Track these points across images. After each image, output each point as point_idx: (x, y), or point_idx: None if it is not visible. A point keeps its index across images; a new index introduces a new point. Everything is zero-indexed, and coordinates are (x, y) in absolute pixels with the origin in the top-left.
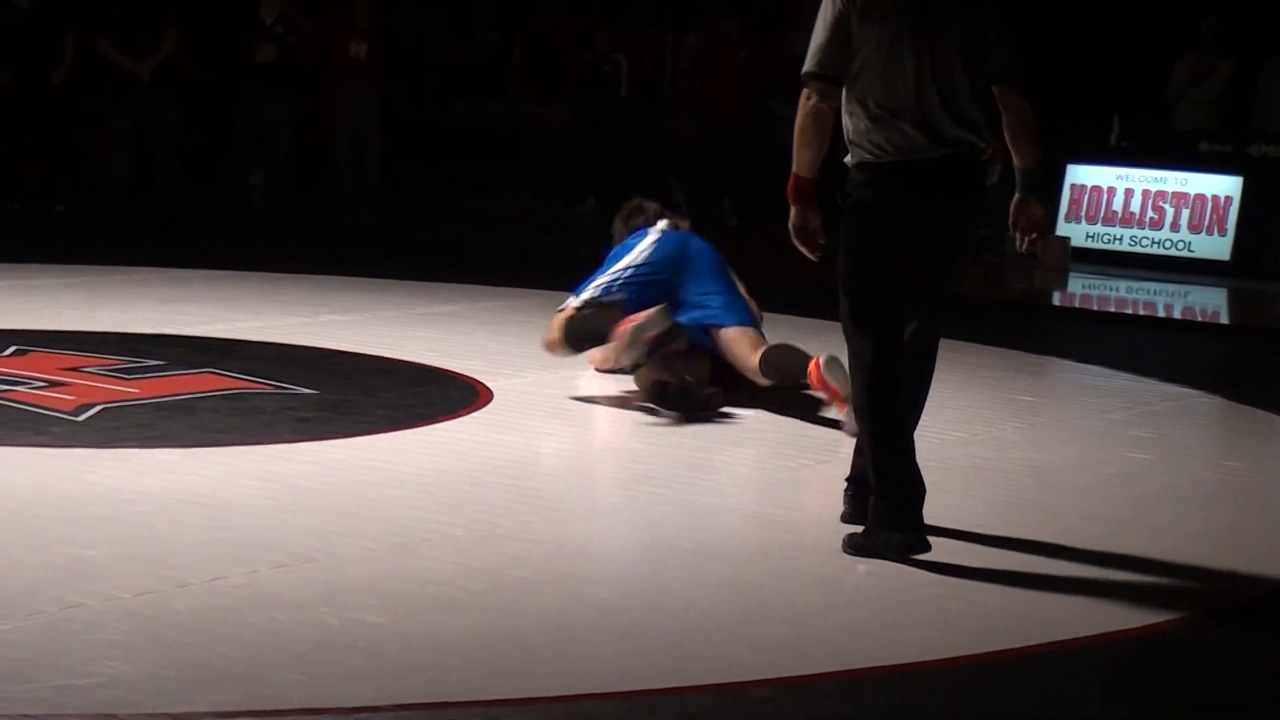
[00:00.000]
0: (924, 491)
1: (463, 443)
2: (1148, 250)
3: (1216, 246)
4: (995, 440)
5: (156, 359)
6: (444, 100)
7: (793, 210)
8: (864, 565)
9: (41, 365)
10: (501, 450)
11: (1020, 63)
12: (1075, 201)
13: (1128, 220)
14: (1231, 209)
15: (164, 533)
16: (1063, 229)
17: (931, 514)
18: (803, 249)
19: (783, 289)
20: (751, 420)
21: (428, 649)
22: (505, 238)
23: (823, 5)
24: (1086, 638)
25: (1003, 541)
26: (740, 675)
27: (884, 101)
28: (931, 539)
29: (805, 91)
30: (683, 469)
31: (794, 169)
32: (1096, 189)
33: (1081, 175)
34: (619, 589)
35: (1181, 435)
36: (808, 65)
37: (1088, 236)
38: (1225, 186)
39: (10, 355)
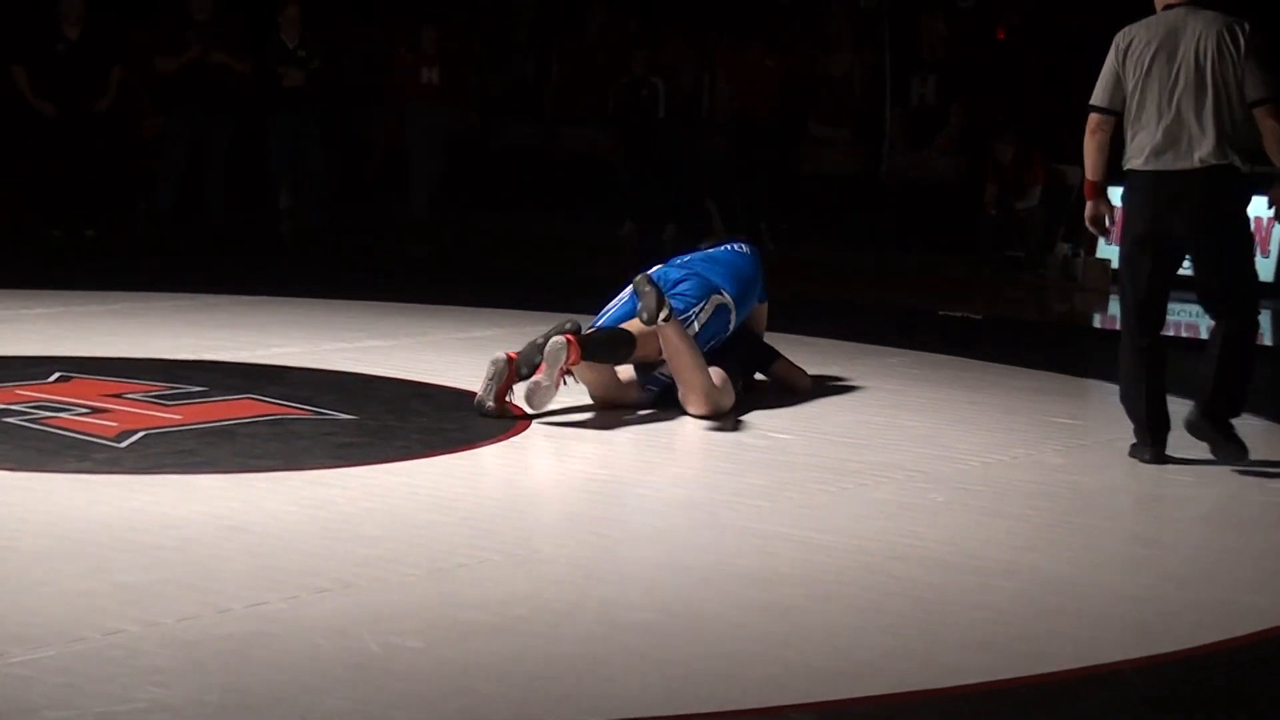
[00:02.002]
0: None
1: (501, 468)
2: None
3: (1259, 268)
4: (1037, 462)
5: (198, 385)
6: (482, 123)
7: (1088, 204)
8: (904, 589)
9: (84, 392)
10: (539, 475)
11: (1271, 89)
12: (1116, 224)
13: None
14: (1275, 230)
15: (205, 558)
16: (1103, 251)
17: (975, 536)
18: (1094, 231)
19: (815, 311)
20: (789, 444)
21: (467, 674)
22: (544, 261)
23: (1109, 52)
24: (1130, 661)
25: (1044, 564)
26: (782, 699)
27: (1135, 125)
28: (973, 562)
29: (1088, 118)
30: (721, 493)
31: (1086, 175)
32: None
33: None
34: (658, 613)
35: (1225, 458)
36: (1092, 99)
37: None
38: (1267, 208)
39: (54, 382)
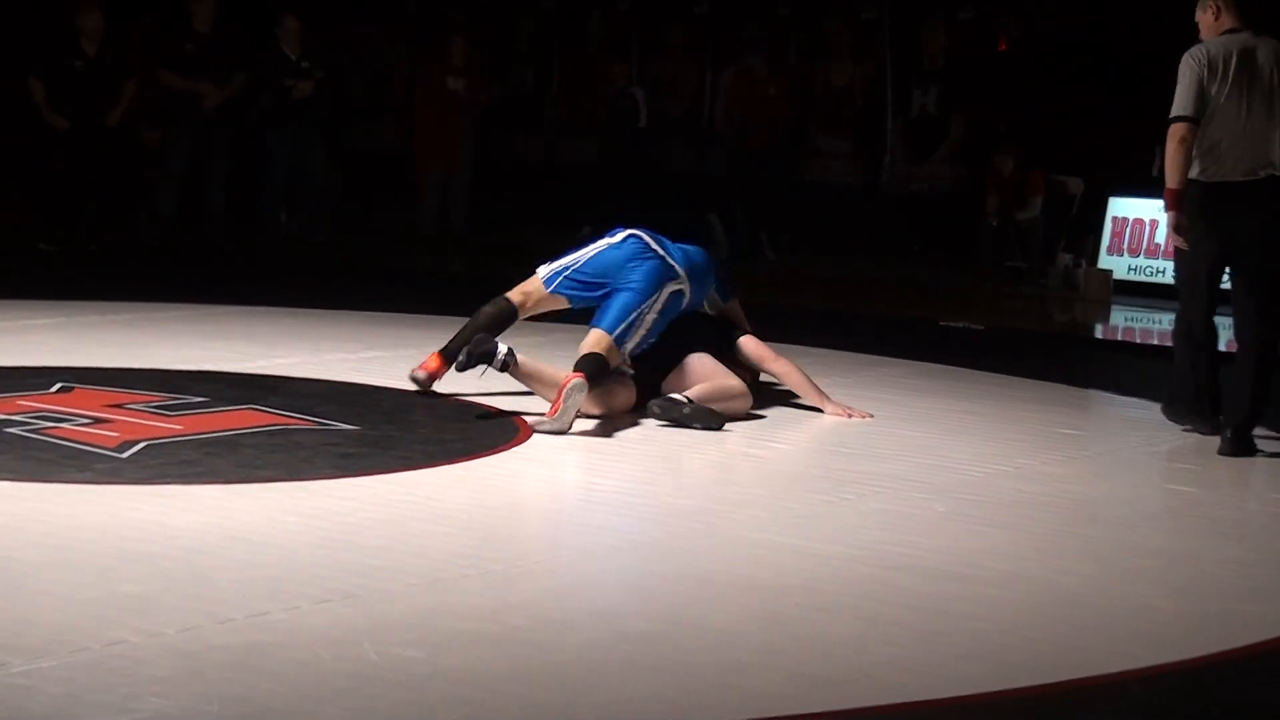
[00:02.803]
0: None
1: (502, 478)
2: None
3: None
4: (1038, 473)
5: (199, 395)
6: (484, 133)
7: (1171, 213)
8: (903, 599)
9: (86, 402)
10: (540, 485)
11: None
12: (1117, 234)
13: (1170, 253)
14: None
15: (206, 568)
16: (1105, 261)
17: (975, 546)
18: (1177, 239)
19: (816, 321)
20: (788, 454)
21: (468, 684)
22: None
23: (1182, 66)
24: (1130, 671)
25: (1045, 574)
26: (781, 709)
27: (1209, 138)
28: (973, 572)
29: (1174, 127)
30: (720, 503)
31: (1170, 185)
32: (1139, 221)
33: (1123, 208)
34: (657, 623)
35: (1226, 468)
36: (1177, 110)
37: (1130, 269)
38: None
39: (55, 392)
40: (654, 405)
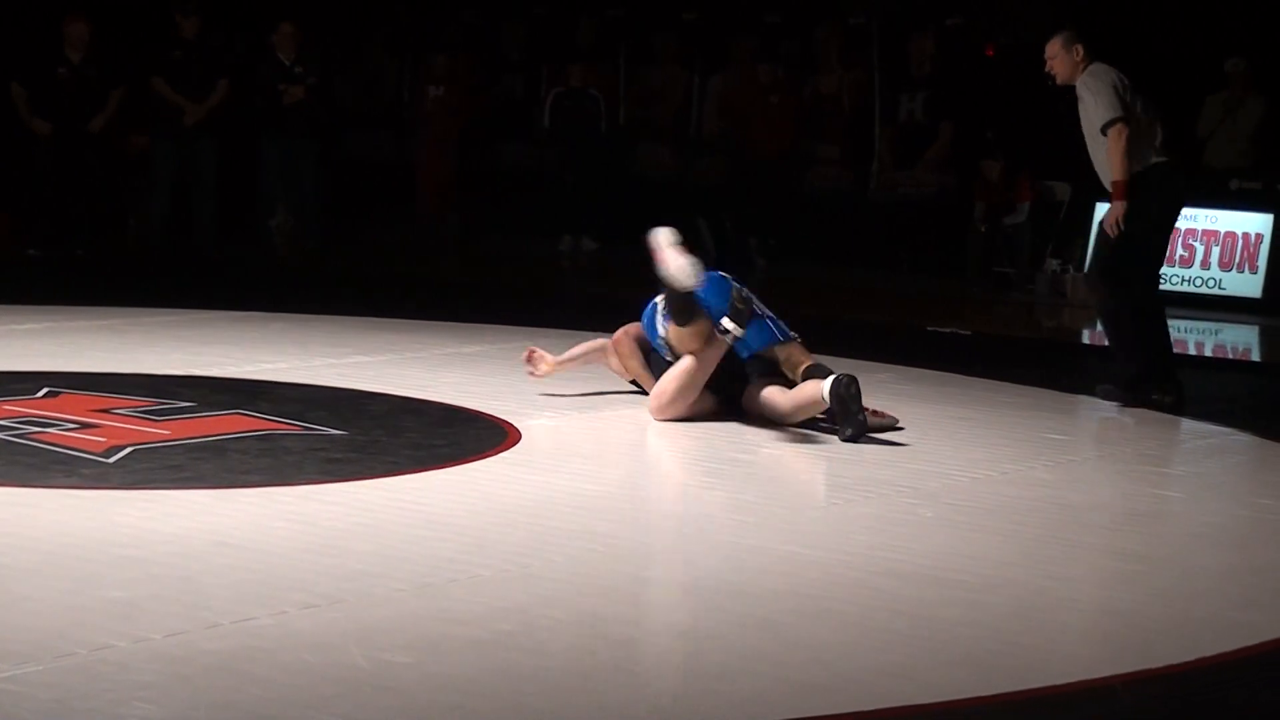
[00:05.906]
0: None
1: (491, 483)
2: (1178, 288)
3: (1247, 284)
4: (1026, 478)
5: (186, 400)
6: (473, 141)
7: (1127, 203)
8: (892, 604)
9: (73, 407)
10: (529, 490)
11: None
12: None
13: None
14: (1263, 246)
15: (194, 574)
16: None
17: (963, 552)
18: (1113, 228)
19: (804, 328)
20: (778, 460)
21: (456, 689)
22: (530, 278)
23: (1099, 83)
24: (1118, 676)
25: (1033, 579)
26: (769, 715)
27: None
28: (961, 577)
29: (1117, 128)
30: (711, 509)
31: (1120, 177)
32: None
33: None
34: (648, 629)
35: (1213, 473)
36: (1115, 113)
37: None
38: (1256, 224)
39: (42, 397)
40: (845, 430)
